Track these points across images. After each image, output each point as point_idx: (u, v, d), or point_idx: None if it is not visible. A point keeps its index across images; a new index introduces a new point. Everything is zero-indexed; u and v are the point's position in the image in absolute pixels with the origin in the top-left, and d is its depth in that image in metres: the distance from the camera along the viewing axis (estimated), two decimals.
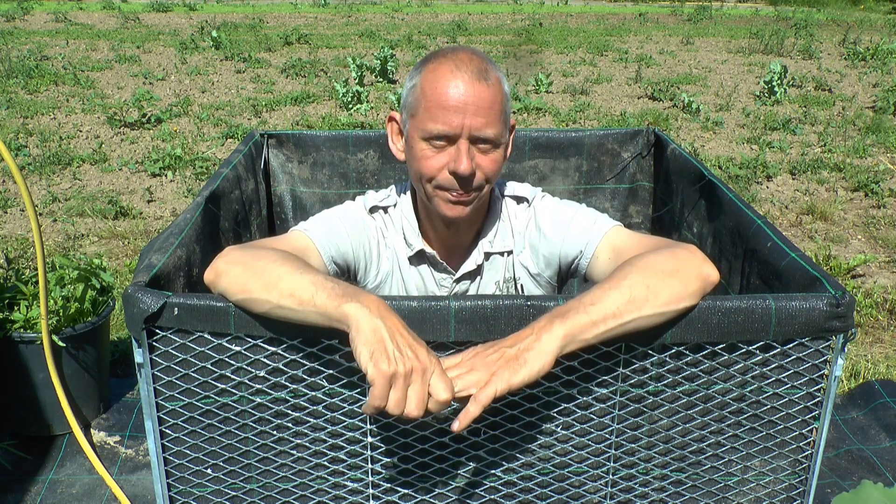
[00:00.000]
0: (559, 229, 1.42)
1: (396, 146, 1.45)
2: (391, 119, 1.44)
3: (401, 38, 11.60)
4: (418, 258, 1.48)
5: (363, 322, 0.98)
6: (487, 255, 1.48)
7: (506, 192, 1.51)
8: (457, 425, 0.99)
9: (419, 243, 1.46)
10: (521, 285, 1.49)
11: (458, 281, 1.49)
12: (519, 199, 1.50)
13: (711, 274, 1.12)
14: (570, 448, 1.17)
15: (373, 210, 1.48)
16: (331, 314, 1.01)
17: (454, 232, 1.45)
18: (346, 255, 1.40)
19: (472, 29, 13.27)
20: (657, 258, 1.12)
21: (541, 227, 1.45)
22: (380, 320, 0.98)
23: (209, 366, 1.12)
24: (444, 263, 1.47)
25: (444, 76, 1.28)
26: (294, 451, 1.18)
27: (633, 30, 13.67)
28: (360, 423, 1.15)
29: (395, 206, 1.50)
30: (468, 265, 1.48)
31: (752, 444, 1.20)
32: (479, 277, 1.50)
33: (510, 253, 1.49)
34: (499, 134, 1.31)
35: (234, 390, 1.14)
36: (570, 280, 1.50)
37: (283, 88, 7.88)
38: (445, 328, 1.07)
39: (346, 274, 1.44)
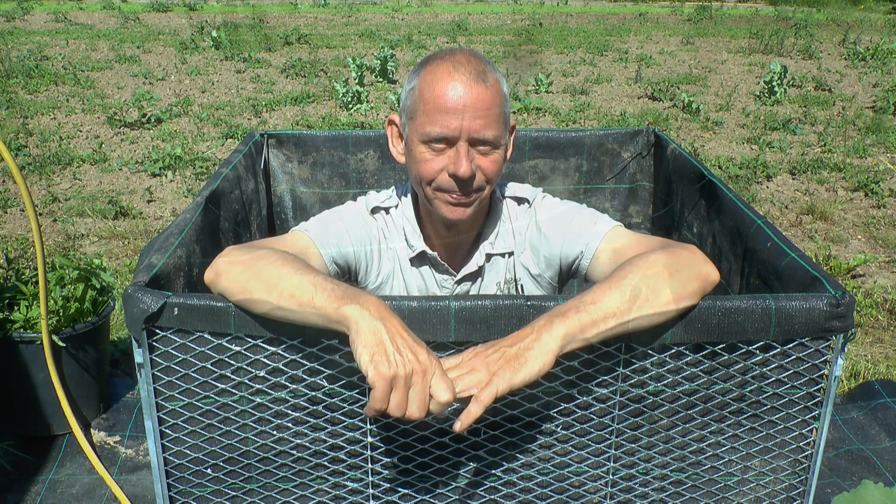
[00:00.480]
0: (560, 230, 1.41)
1: (396, 149, 1.45)
2: (391, 122, 1.43)
3: (401, 38, 11.60)
4: (420, 259, 1.48)
5: (363, 324, 0.98)
6: (489, 257, 1.48)
7: (506, 193, 1.51)
8: (458, 426, 0.99)
9: (420, 245, 1.46)
10: (522, 286, 1.49)
11: (459, 282, 1.49)
12: (520, 200, 1.50)
13: (711, 274, 1.12)
14: (570, 448, 1.17)
15: (374, 211, 1.48)
16: (330, 316, 1.01)
17: (455, 234, 1.45)
18: (346, 256, 1.40)
19: (472, 29, 13.26)
20: (657, 258, 1.12)
21: (541, 227, 1.45)
22: (380, 322, 0.98)
23: (209, 366, 1.12)
24: (446, 265, 1.47)
25: (441, 78, 1.28)
26: (294, 451, 1.18)
27: (633, 30, 13.66)
28: (360, 423, 1.15)
29: (396, 207, 1.49)
30: (469, 267, 1.47)
31: (752, 444, 1.20)
32: (480, 279, 1.49)
33: (511, 254, 1.48)
34: (498, 135, 1.31)
35: (234, 390, 1.14)
36: (570, 280, 1.50)
37: (283, 88, 7.88)
38: (445, 328, 1.07)
39: (347, 274, 1.44)
